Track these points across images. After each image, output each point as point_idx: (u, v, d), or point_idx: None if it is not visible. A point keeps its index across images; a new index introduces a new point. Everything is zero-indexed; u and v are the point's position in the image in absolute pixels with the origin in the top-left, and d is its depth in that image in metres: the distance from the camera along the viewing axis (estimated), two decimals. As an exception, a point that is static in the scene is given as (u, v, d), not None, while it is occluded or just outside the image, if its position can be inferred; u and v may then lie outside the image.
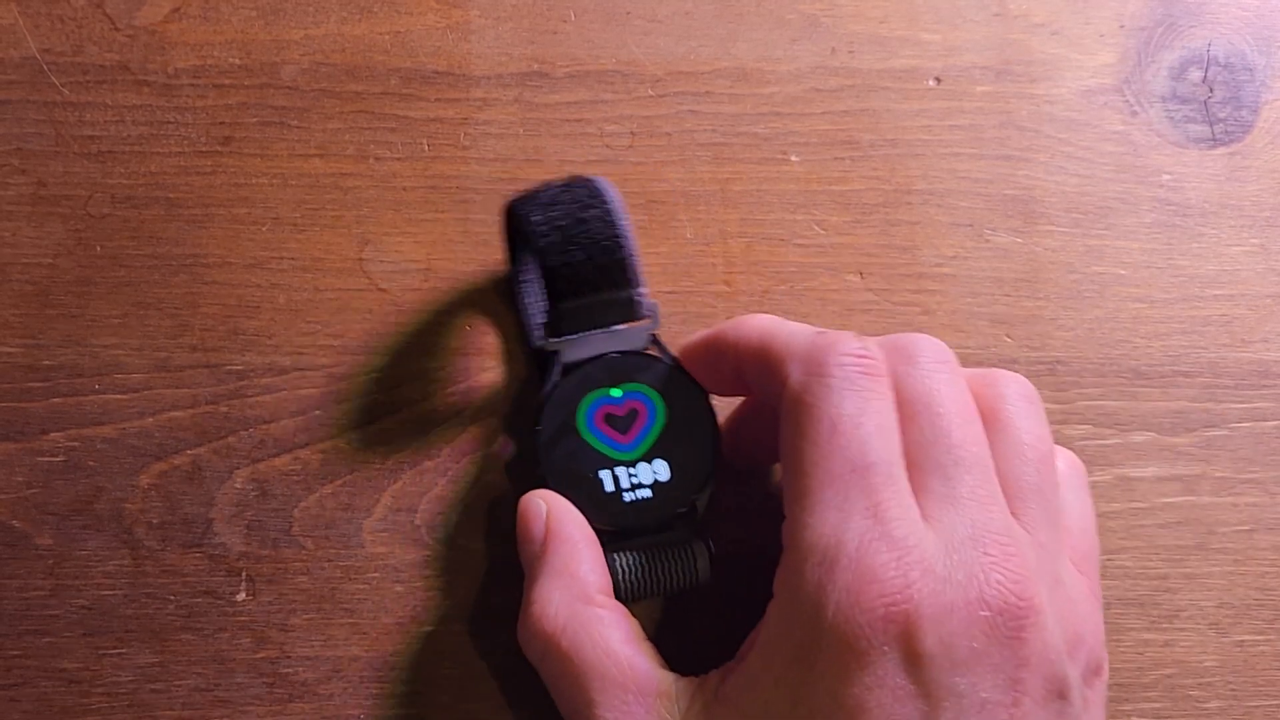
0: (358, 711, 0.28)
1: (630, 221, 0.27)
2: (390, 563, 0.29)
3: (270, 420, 0.29)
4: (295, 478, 0.29)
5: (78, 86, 0.31)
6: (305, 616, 0.29)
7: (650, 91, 0.32)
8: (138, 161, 0.31)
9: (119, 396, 0.29)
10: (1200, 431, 0.31)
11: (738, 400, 0.29)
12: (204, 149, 0.31)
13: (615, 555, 0.26)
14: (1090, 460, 0.30)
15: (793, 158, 0.32)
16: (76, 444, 0.29)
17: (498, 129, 0.32)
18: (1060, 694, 0.22)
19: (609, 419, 0.27)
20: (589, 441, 0.27)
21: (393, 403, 0.30)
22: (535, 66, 0.32)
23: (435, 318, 0.30)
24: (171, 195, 0.31)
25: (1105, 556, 0.30)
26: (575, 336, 0.27)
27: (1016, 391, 0.25)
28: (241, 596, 0.29)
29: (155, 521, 0.29)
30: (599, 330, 0.27)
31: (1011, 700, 0.21)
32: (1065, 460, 0.26)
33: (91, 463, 0.29)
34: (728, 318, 0.31)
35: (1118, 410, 0.31)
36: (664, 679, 0.24)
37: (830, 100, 0.33)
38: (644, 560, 0.26)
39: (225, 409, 0.29)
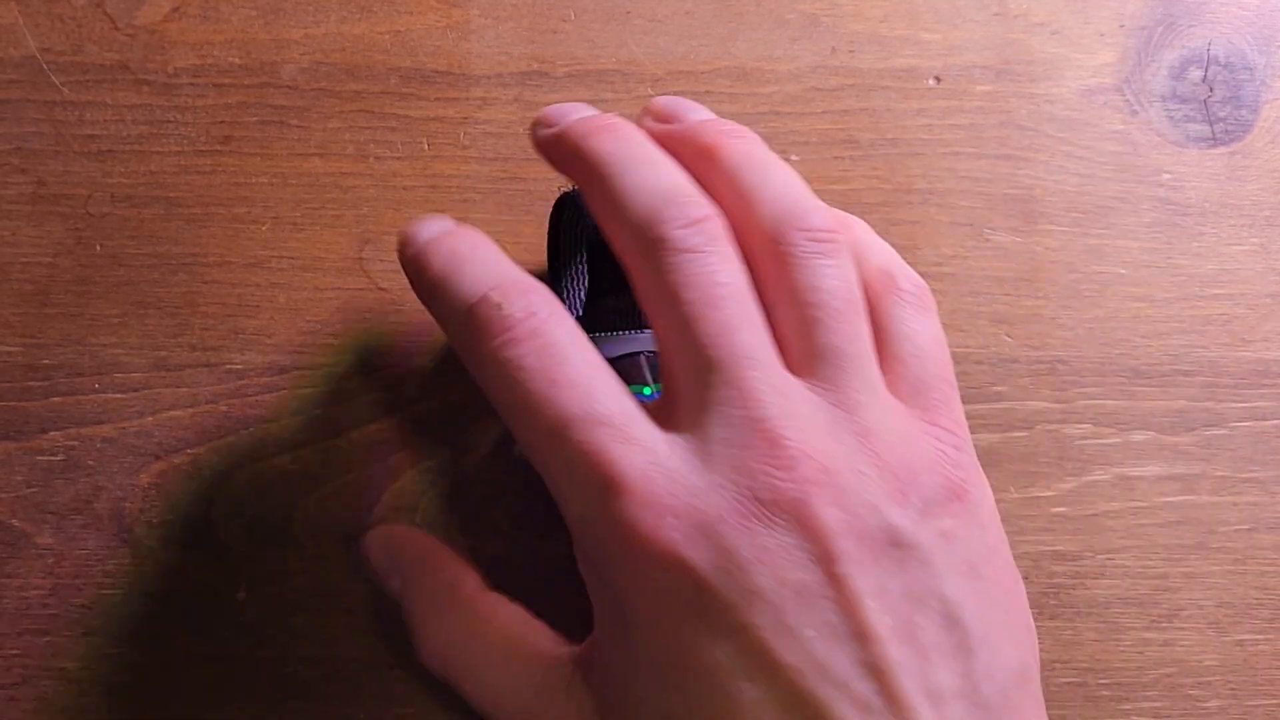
0: (358, 711, 0.28)
1: None
2: (390, 562, 0.29)
3: (270, 420, 0.29)
4: (295, 477, 0.29)
5: (78, 86, 0.31)
6: (305, 616, 0.28)
7: (650, 91, 0.32)
8: (137, 161, 0.31)
9: (118, 396, 0.29)
10: (1200, 431, 0.31)
11: None
12: (204, 148, 0.31)
13: None
14: (1090, 459, 0.30)
15: (793, 157, 0.32)
16: (76, 443, 0.29)
17: (498, 128, 0.32)
18: (894, 542, 0.21)
19: None
20: None
21: (392, 403, 0.30)
22: (535, 66, 0.32)
23: (435, 317, 0.30)
24: (171, 195, 0.31)
25: (1105, 555, 0.30)
26: (608, 334, 0.28)
27: (805, 239, 0.23)
28: (241, 596, 0.29)
29: (155, 520, 0.29)
30: (633, 331, 0.28)
31: (827, 573, 0.20)
32: (897, 287, 0.24)
33: (91, 462, 0.29)
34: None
35: (1118, 410, 0.31)
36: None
37: (830, 100, 0.33)
38: None
39: (225, 408, 0.29)
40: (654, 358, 0.28)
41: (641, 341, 0.28)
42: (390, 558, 0.27)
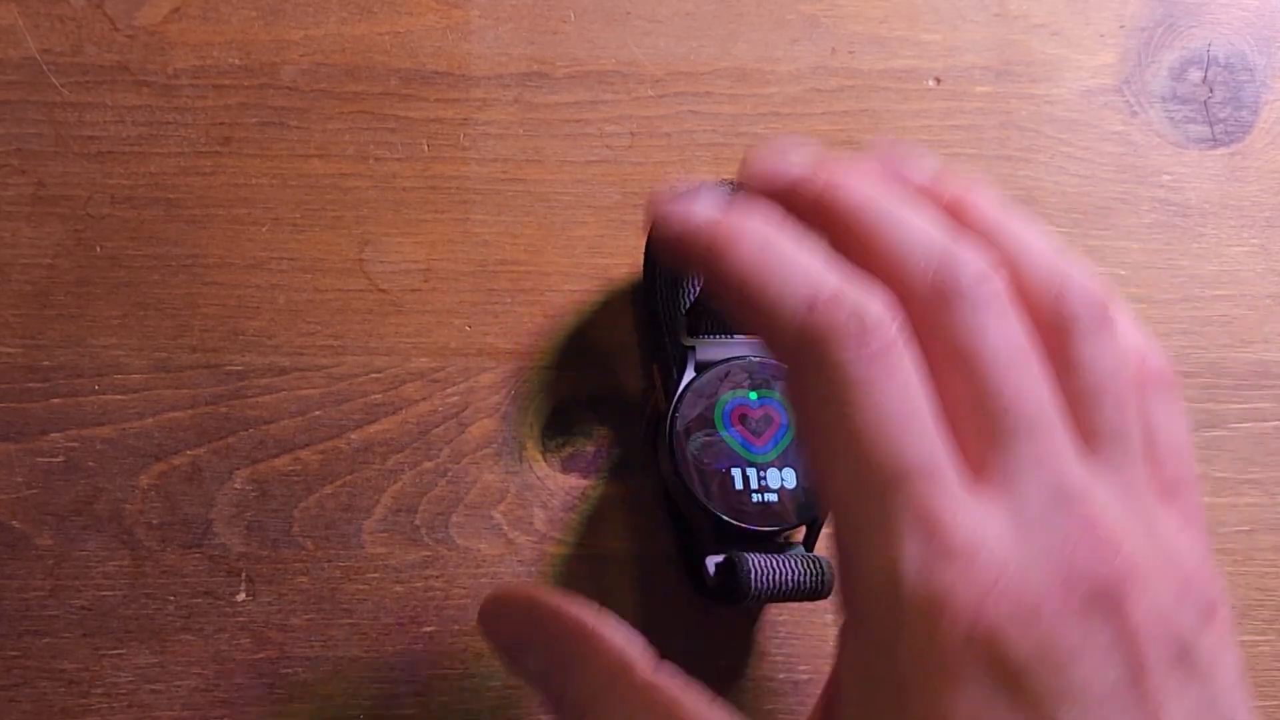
0: (358, 711, 0.28)
1: None
2: (390, 563, 0.29)
3: (270, 420, 0.29)
4: (295, 478, 0.29)
5: (78, 87, 0.31)
6: (305, 617, 0.28)
7: (650, 91, 0.32)
8: (137, 162, 0.31)
9: (119, 397, 0.29)
10: (1200, 431, 0.31)
11: None
12: (204, 149, 0.31)
13: (747, 555, 0.26)
14: (1090, 460, 0.30)
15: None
16: (76, 444, 0.29)
17: (498, 129, 0.32)
18: (1183, 653, 0.19)
19: (744, 419, 0.27)
20: (724, 437, 0.27)
21: (392, 403, 0.30)
22: (535, 66, 0.32)
23: (435, 318, 0.30)
24: (171, 195, 0.31)
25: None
26: (711, 339, 0.28)
27: (1086, 312, 0.21)
28: (241, 597, 0.29)
29: (155, 522, 0.29)
30: (734, 337, 0.28)
31: (1133, 679, 0.19)
32: (1154, 372, 0.22)
33: (91, 463, 0.29)
34: (728, 318, 0.31)
35: (1118, 410, 0.31)
36: None
37: (830, 100, 0.33)
38: (774, 564, 0.26)
39: (225, 409, 0.29)
40: (757, 364, 0.28)
41: (737, 348, 0.28)
42: (527, 630, 0.22)
